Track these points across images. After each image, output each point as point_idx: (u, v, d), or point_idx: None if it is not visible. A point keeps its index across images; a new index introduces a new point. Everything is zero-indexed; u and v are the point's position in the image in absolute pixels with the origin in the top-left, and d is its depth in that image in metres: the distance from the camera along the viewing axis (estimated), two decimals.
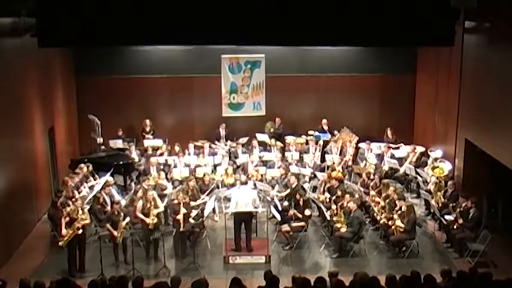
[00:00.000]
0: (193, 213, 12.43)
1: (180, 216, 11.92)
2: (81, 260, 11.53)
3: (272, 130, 17.96)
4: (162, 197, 13.23)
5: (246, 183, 13.36)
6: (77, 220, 11.23)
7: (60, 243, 11.26)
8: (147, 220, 11.88)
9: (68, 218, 11.22)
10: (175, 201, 12.21)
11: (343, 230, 12.17)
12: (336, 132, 17.57)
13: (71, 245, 11.29)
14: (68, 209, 11.36)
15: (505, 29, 11.50)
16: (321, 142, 17.06)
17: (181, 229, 11.89)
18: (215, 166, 15.76)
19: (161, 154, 16.39)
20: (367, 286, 8.03)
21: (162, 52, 17.82)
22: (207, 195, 13.61)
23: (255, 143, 16.95)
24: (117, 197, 13.50)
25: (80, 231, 11.31)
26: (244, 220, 12.27)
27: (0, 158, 11.86)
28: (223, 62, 18.05)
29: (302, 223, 12.58)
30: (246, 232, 12.35)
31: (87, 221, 11.53)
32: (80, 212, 11.39)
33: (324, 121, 17.89)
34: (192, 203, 12.78)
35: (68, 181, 13.24)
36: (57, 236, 11.67)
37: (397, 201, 12.50)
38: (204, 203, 13.01)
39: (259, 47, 16.98)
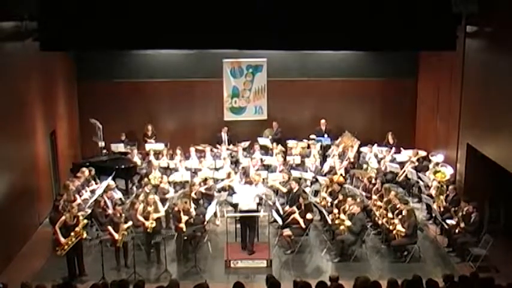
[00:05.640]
0: (192, 211, 12.40)
1: (182, 225, 11.93)
2: (80, 265, 11.50)
3: (270, 137, 17.95)
4: (163, 201, 13.24)
5: (250, 183, 13.30)
6: (74, 229, 11.15)
7: (58, 253, 11.21)
8: (146, 223, 11.90)
9: (63, 225, 11.17)
10: (176, 209, 12.21)
11: (347, 223, 12.12)
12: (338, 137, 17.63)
13: (69, 252, 11.22)
14: (64, 217, 11.29)
15: (507, 34, 11.51)
16: (318, 146, 17.08)
17: (184, 238, 11.91)
18: (217, 170, 15.77)
19: (158, 157, 16.43)
20: None
21: (163, 56, 17.87)
22: (208, 196, 13.72)
23: (256, 147, 16.96)
24: (116, 196, 13.52)
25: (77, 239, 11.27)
26: (248, 222, 12.35)
27: (2, 162, 11.86)
28: (225, 66, 18.07)
29: (302, 224, 12.51)
30: (249, 234, 12.39)
31: (84, 236, 11.46)
32: (76, 219, 11.28)
33: (323, 121, 17.93)
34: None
35: (69, 185, 13.24)
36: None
37: (398, 206, 12.49)
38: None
39: (261, 51, 17.00)
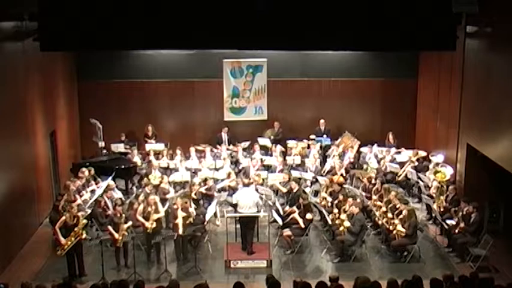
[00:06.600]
0: (192, 209, 12.39)
1: (178, 220, 11.90)
2: (80, 265, 11.50)
3: (272, 137, 17.94)
4: (164, 201, 13.24)
5: (248, 185, 13.31)
6: (74, 229, 11.15)
7: (58, 253, 11.22)
8: (146, 224, 11.89)
9: (63, 225, 11.17)
10: (175, 206, 12.22)
11: (347, 224, 12.12)
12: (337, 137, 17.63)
13: (69, 251, 11.22)
14: (64, 217, 11.29)
15: (507, 34, 11.52)
16: (318, 146, 17.08)
17: (179, 232, 11.86)
18: (217, 170, 15.77)
19: (158, 157, 16.44)
20: None
21: (163, 56, 17.88)
22: (208, 196, 13.73)
23: (256, 147, 16.95)
24: (116, 196, 13.52)
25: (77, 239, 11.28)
26: (248, 223, 12.34)
27: (2, 162, 11.86)
28: (225, 66, 18.07)
29: (301, 224, 12.50)
30: (248, 235, 12.38)
31: (84, 236, 11.43)
32: (76, 219, 11.27)
33: (322, 121, 17.94)
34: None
35: (69, 185, 13.23)
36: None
37: (398, 206, 12.48)
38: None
39: (261, 51, 17.00)
